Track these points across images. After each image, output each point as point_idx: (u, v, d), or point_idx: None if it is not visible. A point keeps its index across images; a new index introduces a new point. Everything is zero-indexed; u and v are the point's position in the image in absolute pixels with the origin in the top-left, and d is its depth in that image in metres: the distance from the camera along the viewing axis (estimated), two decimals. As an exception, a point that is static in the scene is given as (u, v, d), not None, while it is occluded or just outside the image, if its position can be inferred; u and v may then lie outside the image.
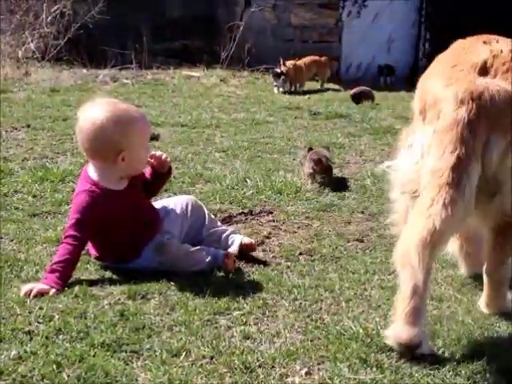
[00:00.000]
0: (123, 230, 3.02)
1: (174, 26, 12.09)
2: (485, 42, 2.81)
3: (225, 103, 8.49)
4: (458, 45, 2.96)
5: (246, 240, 3.36)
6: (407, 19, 13.04)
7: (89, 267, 3.09)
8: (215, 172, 4.93)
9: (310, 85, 10.87)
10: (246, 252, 3.31)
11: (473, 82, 2.55)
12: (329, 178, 4.76)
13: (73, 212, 2.97)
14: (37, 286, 2.77)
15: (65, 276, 2.85)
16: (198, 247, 3.14)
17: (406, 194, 2.80)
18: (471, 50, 2.79)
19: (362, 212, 4.11)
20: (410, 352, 2.33)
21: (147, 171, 3.22)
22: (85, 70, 11.40)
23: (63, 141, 5.90)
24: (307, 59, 10.63)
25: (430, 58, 11.77)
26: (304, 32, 12.44)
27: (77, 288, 2.83)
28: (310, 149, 5.06)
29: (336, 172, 5.07)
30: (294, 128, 6.95)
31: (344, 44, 12.73)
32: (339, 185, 4.73)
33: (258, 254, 3.39)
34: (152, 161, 3.17)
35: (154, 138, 5.97)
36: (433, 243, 2.37)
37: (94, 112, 2.95)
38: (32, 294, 2.72)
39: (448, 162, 2.45)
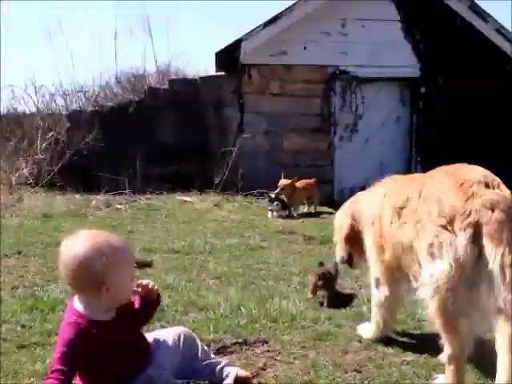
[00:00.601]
0: (111, 362, 2.95)
1: (168, 152, 12.27)
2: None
3: (218, 228, 8.55)
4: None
5: (242, 372, 3.30)
6: (398, 143, 13.31)
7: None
8: (209, 300, 4.90)
9: (302, 209, 10.97)
10: None
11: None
12: (329, 293, 4.88)
13: (58, 345, 2.88)
14: None
15: None
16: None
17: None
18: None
19: (359, 341, 4.03)
20: None
21: (136, 300, 3.17)
22: (78, 196, 11.48)
23: (54, 268, 5.86)
24: (301, 181, 10.71)
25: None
26: (297, 156, 12.67)
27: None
28: (321, 264, 5.27)
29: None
30: (288, 253, 6.96)
31: (336, 167, 12.93)
32: (340, 301, 4.73)
33: (255, 384, 3.32)
34: (139, 290, 3.13)
35: (147, 264, 5.98)
36: None
37: (74, 245, 2.93)
38: None
39: None
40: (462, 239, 3.00)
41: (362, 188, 4.79)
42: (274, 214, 10.08)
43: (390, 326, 4.09)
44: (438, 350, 3.84)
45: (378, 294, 3.98)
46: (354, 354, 3.81)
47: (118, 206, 10.61)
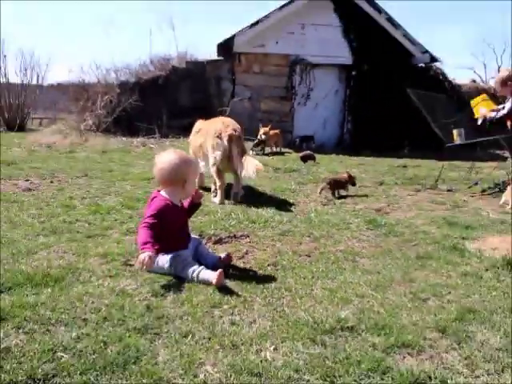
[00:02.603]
0: (176, 232, 3.07)
1: (184, 110, 12.10)
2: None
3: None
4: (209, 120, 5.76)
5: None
6: (336, 108, 13.15)
7: (125, 274, 2.99)
8: (209, 208, 4.87)
9: (271, 150, 10.88)
10: (227, 263, 3.20)
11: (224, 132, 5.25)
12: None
13: (152, 210, 2.97)
14: (141, 256, 2.78)
15: (154, 244, 2.86)
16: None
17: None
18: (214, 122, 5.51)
19: (309, 236, 4.04)
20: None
21: (186, 202, 3.22)
22: (124, 139, 11.37)
23: (109, 185, 5.81)
24: (272, 131, 10.58)
25: (350, 134, 11.85)
26: (269, 115, 12.52)
27: (117, 288, 2.74)
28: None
29: (291, 208, 5.05)
30: (262, 179, 6.90)
31: (295, 123, 12.85)
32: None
33: (240, 264, 3.29)
34: (194, 193, 3.22)
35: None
36: None
37: (168, 156, 3.06)
38: (144, 263, 2.76)
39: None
40: (225, 142, 5.17)
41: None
42: (255, 153, 9.97)
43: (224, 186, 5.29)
44: (358, 242, 3.89)
45: (211, 169, 5.33)
46: (305, 244, 3.81)
47: (151, 146, 10.49)
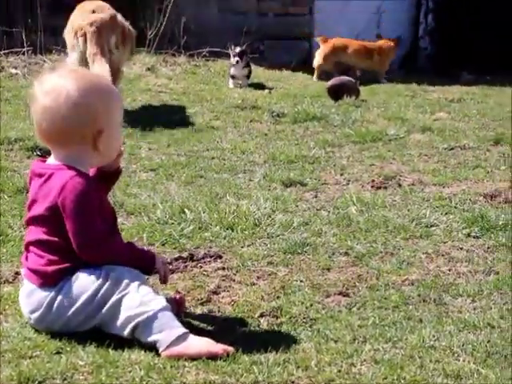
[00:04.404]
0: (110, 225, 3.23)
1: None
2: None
3: (153, 101, 8.52)
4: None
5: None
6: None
7: None
8: (141, 200, 4.90)
9: (269, 75, 10.93)
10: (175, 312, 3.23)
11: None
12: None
13: (75, 203, 3.02)
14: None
15: None
16: None
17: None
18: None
19: (346, 253, 4.06)
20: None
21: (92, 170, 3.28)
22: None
23: None
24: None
25: (434, 36, 11.93)
26: (261, 1, 12.47)
27: None
28: None
29: (309, 197, 5.12)
30: (249, 136, 7.00)
31: (317, 17, 12.80)
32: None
33: (204, 313, 3.33)
34: (123, 149, 3.35)
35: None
36: None
37: (63, 83, 3.07)
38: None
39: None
40: (80, 42, 7.30)
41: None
42: (239, 81, 10.07)
43: None
44: (451, 266, 3.95)
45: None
46: (339, 271, 3.84)
47: (13, 71, 10.40)
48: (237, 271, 3.81)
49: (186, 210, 4.67)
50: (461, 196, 5.23)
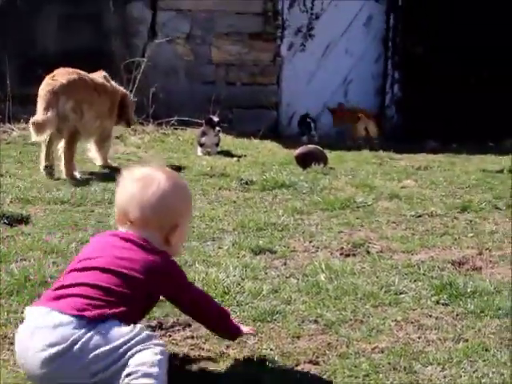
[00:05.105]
0: None
1: (49, 62, 12.02)
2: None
3: (122, 170, 8.46)
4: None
5: None
6: (368, 53, 13.33)
7: None
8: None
9: (237, 143, 10.95)
10: None
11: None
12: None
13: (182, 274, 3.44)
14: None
15: None
16: None
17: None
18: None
19: (316, 321, 4.06)
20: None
21: None
22: None
23: None
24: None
25: (400, 105, 12.08)
26: (230, 71, 12.58)
27: None
28: None
29: (279, 264, 5.11)
30: (218, 203, 6.99)
31: (284, 87, 12.90)
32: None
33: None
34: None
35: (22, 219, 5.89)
36: None
37: (155, 173, 3.41)
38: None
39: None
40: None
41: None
42: (208, 149, 10.14)
43: None
44: (420, 333, 3.95)
45: None
46: (309, 339, 3.83)
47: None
48: (206, 340, 3.79)
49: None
50: (429, 263, 5.26)
